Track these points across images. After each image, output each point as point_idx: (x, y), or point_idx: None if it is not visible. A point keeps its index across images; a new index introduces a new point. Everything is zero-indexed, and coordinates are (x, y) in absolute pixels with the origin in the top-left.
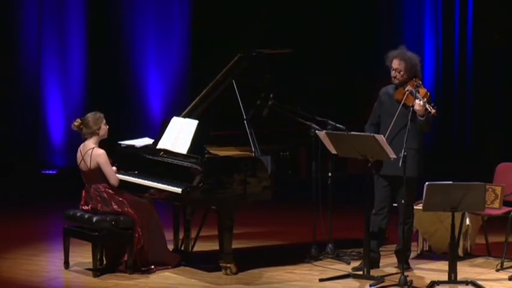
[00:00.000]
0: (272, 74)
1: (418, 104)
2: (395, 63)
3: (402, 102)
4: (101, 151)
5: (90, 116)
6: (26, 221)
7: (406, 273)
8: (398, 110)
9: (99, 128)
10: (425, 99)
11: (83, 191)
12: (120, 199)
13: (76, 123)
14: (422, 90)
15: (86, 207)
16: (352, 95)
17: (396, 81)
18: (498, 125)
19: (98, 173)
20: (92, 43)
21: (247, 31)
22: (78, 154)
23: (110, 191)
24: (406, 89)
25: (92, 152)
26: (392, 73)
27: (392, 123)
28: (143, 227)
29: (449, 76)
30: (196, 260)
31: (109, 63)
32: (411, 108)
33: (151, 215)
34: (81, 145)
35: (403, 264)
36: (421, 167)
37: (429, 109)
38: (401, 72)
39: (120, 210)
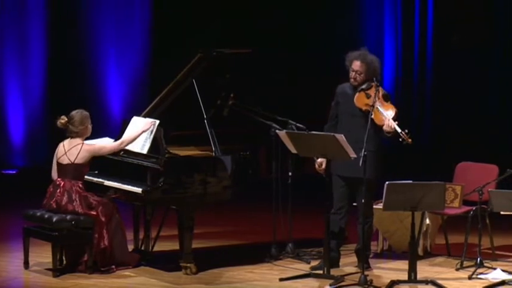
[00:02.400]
0: (232, 74)
1: (388, 126)
2: (356, 65)
3: (370, 117)
4: (91, 145)
5: (77, 115)
6: None
7: (366, 273)
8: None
9: (85, 128)
10: (396, 123)
11: (50, 187)
12: (91, 201)
13: (62, 121)
14: (388, 106)
15: (50, 202)
16: (312, 95)
17: (355, 83)
18: (457, 124)
19: (77, 168)
20: (52, 43)
21: (207, 31)
22: (61, 148)
23: (82, 192)
24: (371, 104)
25: (82, 147)
26: (352, 74)
27: (351, 123)
28: (106, 228)
29: (408, 76)
30: (156, 259)
31: (69, 64)
32: (370, 115)
33: (112, 215)
34: (66, 141)
35: (363, 263)
36: (378, 169)
37: (403, 136)
38: (362, 75)
39: (82, 212)
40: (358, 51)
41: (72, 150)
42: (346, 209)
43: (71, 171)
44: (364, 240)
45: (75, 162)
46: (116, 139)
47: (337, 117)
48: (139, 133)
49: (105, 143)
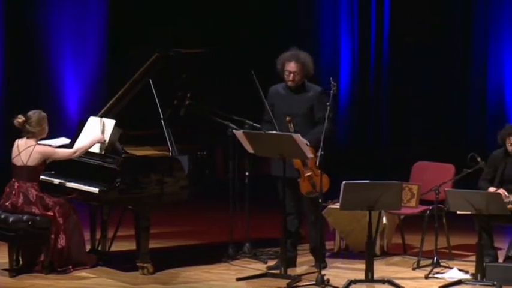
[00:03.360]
0: (189, 74)
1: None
2: (291, 66)
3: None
4: (43, 147)
5: (34, 116)
6: None
7: (323, 272)
8: (296, 111)
9: (42, 129)
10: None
11: (6, 187)
12: (47, 201)
13: (20, 120)
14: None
15: (6, 203)
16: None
17: (293, 84)
18: (414, 124)
19: (31, 170)
20: (8, 43)
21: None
22: (15, 149)
23: (38, 193)
24: (307, 175)
25: (34, 149)
26: (290, 76)
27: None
28: (63, 228)
29: (364, 76)
30: (113, 260)
31: (25, 63)
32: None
33: (69, 216)
34: (20, 140)
35: (320, 263)
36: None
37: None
38: (298, 75)
39: (39, 212)
40: (289, 52)
41: (25, 151)
42: (298, 208)
43: (25, 173)
44: (320, 239)
45: (28, 164)
46: (72, 139)
47: (273, 115)
48: (93, 143)
49: (59, 150)
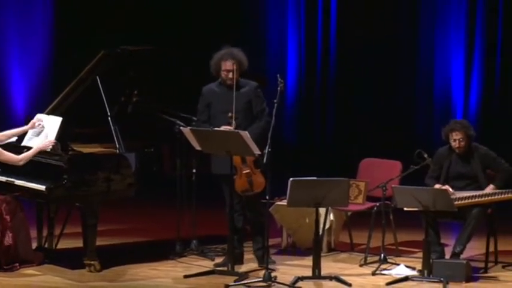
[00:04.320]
0: (136, 71)
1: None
2: (228, 65)
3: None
4: None
5: None
6: None
7: (270, 269)
8: (235, 108)
9: None
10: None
11: None
12: None
13: None
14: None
15: None
16: None
17: (231, 82)
18: (361, 121)
19: None
20: None
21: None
22: None
23: None
24: (245, 172)
25: None
26: (229, 75)
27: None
28: (10, 226)
29: (311, 72)
30: (60, 257)
31: None
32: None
33: (16, 213)
34: None
35: (267, 260)
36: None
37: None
38: (236, 72)
39: None
40: (223, 51)
41: None
42: (241, 206)
43: None
44: (264, 236)
45: None
46: (19, 138)
47: (209, 118)
48: (37, 151)
49: (6, 152)
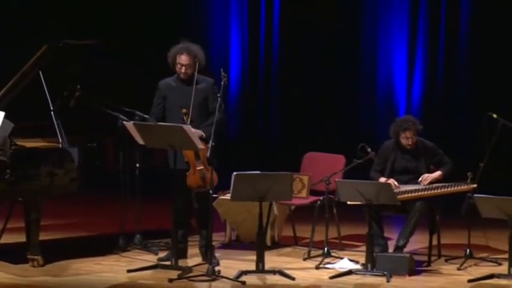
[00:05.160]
0: (80, 65)
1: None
2: (184, 59)
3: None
4: None
5: None
6: None
7: (213, 263)
8: (191, 104)
9: None
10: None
11: None
12: None
13: None
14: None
15: None
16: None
17: (186, 76)
18: (304, 115)
19: None
20: None
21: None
22: None
23: None
24: (199, 168)
25: None
26: (182, 69)
27: (189, 116)
28: None
29: (255, 67)
30: (2, 252)
31: None
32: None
33: None
34: None
35: (211, 254)
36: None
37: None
38: (191, 67)
39: None
40: (180, 45)
41: None
42: (189, 200)
43: None
44: (209, 231)
45: None
46: None
47: (164, 112)
48: None
49: None
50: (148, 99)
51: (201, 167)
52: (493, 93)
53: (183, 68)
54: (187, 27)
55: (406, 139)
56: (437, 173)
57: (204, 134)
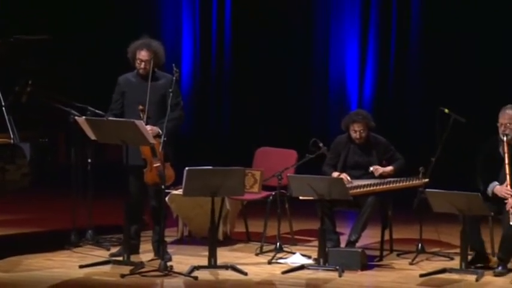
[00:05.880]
0: (31, 60)
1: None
2: (143, 55)
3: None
4: None
5: None
6: None
7: (166, 258)
8: (148, 100)
9: None
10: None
11: None
12: None
13: None
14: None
15: None
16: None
17: (145, 73)
18: (256, 110)
19: None
20: None
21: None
22: None
23: None
24: (156, 165)
25: None
26: (142, 65)
27: (146, 113)
28: None
29: (206, 62)
30: None
31: None
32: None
33: None
34: None
35: (163, 249)
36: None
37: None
38: (150, 63)
39: None
40: (140, 40)
41: None
42: (143, 196)
43: None
44: (162, 227)
45: None
46: None
47: (122, 108)
48: None
49: None
50: (101, 94)
51: (158, 164)
52: (444, 88)
53: (143, 63)
54: (139, 21)
55: (355, 132)
56: (389, 168)
57: (160, 131)
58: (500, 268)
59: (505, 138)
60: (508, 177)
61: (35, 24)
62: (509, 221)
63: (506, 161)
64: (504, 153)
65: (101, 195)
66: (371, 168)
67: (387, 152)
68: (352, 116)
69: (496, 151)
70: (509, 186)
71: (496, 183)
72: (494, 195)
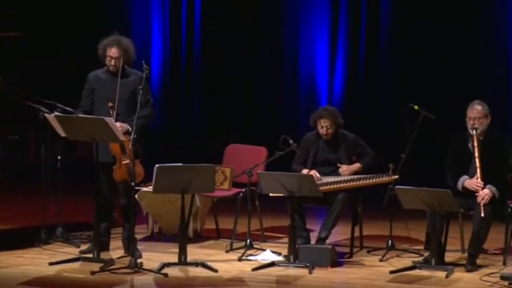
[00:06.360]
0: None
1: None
2: (113, 52)
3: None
4: None
5: None
6: None
7: (136, 255)
8: (117, 97)
9: None
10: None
11: None
12: None
13: None
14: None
15: None
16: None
17: (115, 69)
18: (227, 107)
19: None
20: None
21: None
22: None
23: None
24: (125, 162)
25: None
26: (112, 62)
27: (115, 110)
28: None
29: (176, 59)
30: None
31: None
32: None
33: None
34: None
35: (133, 246)
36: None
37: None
38: (120, 60)
39: None
40: (111, 37)
41: None
42: (113, 193)
43: None
44: (132, 224)
45: None
46: None
47: (92, 104)
48: None
49: None
50: (71, 91)
51: (128, 161)
52: (414, 84)
53: (113, 60)
54: (109, 18)
55: (322, 128)
56: (356, 165)
57: (130, 128)
58: (470, 264)
59: (474, 133)
60: (478, 170)
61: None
62: (480, 213)
63: (476, 154)
64: (473, 147)
65: (71, 193)
66: (340, 170)
67: (356, 148)
68: (320, 112)
69: (465, 146)
70: (479, 179)
71: (466, 177)
72: (465, 189)
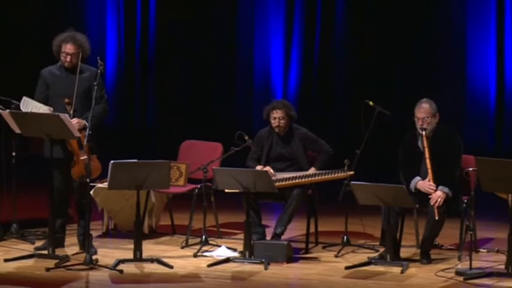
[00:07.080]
0: None
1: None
2: (69, 48)
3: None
4: None
5: None
6: None
7: (91, 252)
8: (75, 93)
9: None
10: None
11: None
12: None
13: None
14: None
15: None
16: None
17: (70, 65)
18: (181, 103)
19: None
20: None
21: None
22: None
23: None
24: (82, 158)
25: None
26: (67, 58)
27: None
28: None
29: (131, 55)
30: None
31: None
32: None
33: None
34: None
35: (88, 243)
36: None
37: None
38: (75, 56)
39: None
40: (65, 33)
41: None
42: (68, 189)
43: None
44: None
45: None
46: None
47: (47, 100)
48: None
49: None
50: (25, 87)
51: (85, 157)
52: (369, 80)
53: (68, 57)
54: (63, 13)
55: (274, 119)
56: (311, 170)
57: (87, 124)
58: (424, 258)
59: (423, 133)
60: (429, 171)
61: None
62: (435, 216)
63: (427, 155)
64: (424, 147)
65: (26, 189)
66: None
67: (310, 143)
68: (273, 103)
69: (415, 145)
70: (431, 181)
71: (419, 178)
72: (418, 190)
